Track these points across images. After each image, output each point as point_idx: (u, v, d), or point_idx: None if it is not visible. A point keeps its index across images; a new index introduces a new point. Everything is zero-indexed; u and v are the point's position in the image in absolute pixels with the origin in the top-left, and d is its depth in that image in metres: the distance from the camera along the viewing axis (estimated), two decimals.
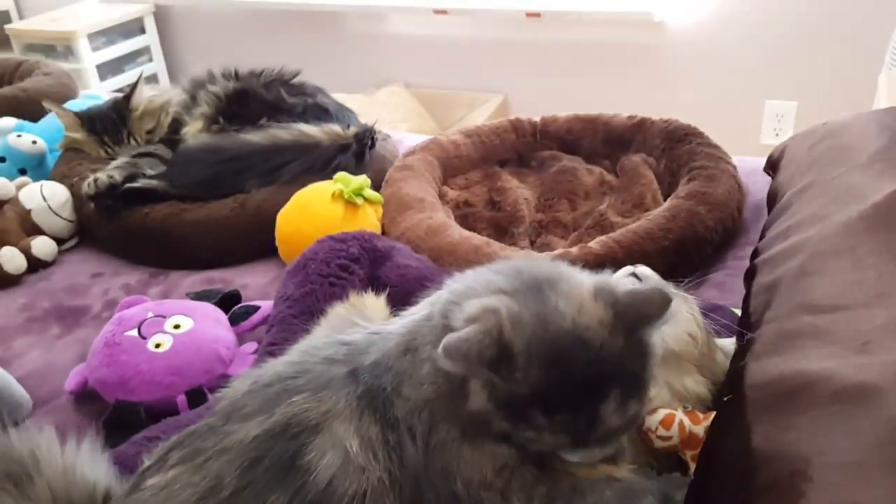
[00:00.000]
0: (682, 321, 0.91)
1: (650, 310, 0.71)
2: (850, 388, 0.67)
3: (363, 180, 1.60)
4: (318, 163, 1.70)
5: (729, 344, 0.99)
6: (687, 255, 1.37)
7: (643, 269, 1.01)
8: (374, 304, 1.11)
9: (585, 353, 0.69)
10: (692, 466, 0.86)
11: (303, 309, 1.23)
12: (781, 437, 0.68)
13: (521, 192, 1.76)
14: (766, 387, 0.76)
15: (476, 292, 0.76)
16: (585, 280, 0.76)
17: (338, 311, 1.10)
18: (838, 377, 0.69)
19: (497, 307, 0.71)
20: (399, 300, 1.15)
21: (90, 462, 0.89)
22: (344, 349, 0.84)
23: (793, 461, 0.64)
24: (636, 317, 0.71)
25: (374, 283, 1.30)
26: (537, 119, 1.93)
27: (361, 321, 0.95)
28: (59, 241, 1.77)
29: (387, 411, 0.76)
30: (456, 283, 0.81)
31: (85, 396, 1.25)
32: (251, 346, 1.29)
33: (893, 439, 0.59)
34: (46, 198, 1.75)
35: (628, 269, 1.00)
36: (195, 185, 1.70)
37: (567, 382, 0.69)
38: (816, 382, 0.70)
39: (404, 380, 0.77)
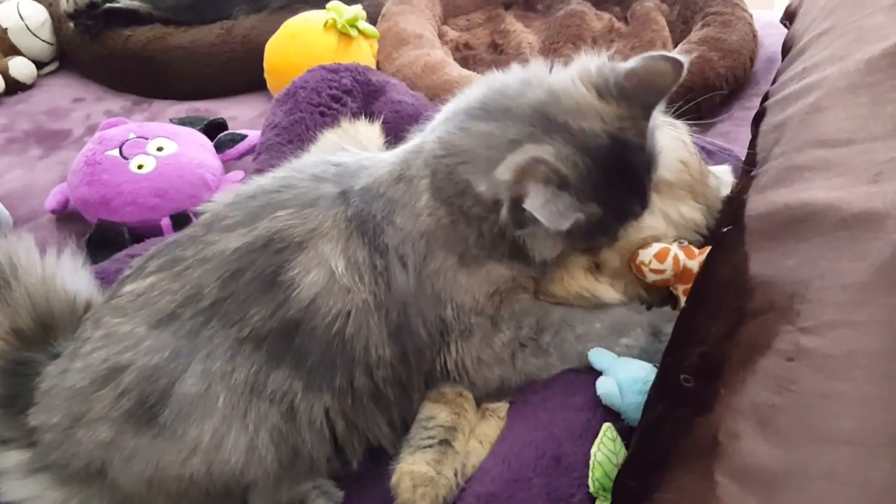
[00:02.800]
0: (672, 149, 0.88)
1: (663, 82, 0.71)
2: (858, 214, 0.64)
3: (358, 11, 1.51)
4: None
5: (722, 169, 0.96)
6: (695, 102, 1.31)
7: None
8: (367, 131, 1.07)
9: (627, 153, 0.72)
10: (683, 301, 0.85)
11: (291, 137, 1.19)
12: (781, 263, 0.66)
13: (525, 36, 1.68)
14: (768, 216, 0.73)
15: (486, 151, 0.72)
16: (577, 83, 0.73)
17: (329, 137, 1.06)
18: (846, 205, 0.66)
19: (540, 156, 0.69)
20: (392, 137, 1.11)
21: (71, 273, 0.88)
22: (333, 169, 0.82)
23: (792, 284, 0.62)
24: (650, 95, 0.72)
25: (366, 118, 1.24)
26: None
27: (353, 148, 0.91)
28: (39, 64, 1.70)
29: (376, 237, 0.74)
30: (448, 127, 0.76)
31: (67, 217, 1.22)
32: (238, 175, 1.25)
33: None
34: (24, 17, 1.67)
35: None
36: (179, 7, 1.60)
37: (616, 184, 0.72)
38: (823, 211, 0.67)
39: (397, 209, 0.75)
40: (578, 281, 0.82)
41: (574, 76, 0.74)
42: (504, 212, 0.71)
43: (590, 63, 0.75)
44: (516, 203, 0.68)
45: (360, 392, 0.74)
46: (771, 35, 1.52)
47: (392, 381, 0.76)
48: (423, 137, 0.79)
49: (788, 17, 1.38)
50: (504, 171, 0.69)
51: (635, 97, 0.72)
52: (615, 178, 0.72)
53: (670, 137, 0.88)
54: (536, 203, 0.66)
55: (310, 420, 0.73)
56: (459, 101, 0.79)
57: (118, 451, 0.69)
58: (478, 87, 0.78)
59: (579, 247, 0.79)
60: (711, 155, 1.07)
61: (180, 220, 1.15)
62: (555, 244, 0.74)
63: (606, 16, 1.72)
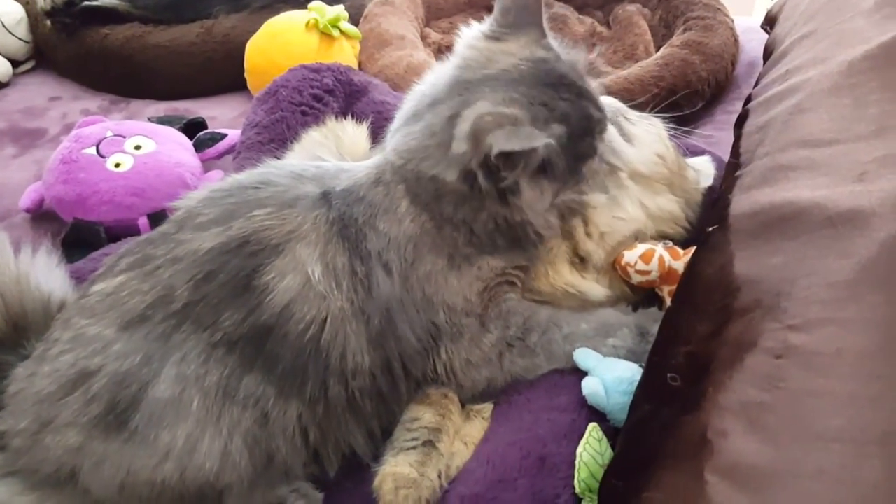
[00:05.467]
0: (648, 143, 0.89)
1: None
2: (843, 213, 0.64)
3: (340, 11, 1.50)
4: None
5: (701, 160, 0.97)
6: (677, 104, 1.32)
7: (604, 99, 0.96)
8: (353, 132, 1.05)
9: (552, 66, 0.75)
10: (668, 302, 0.85)
11: (273, 136, 1.17)
12: (767, 262, 0.66)
13: None
14: (753, 216, 0.73)
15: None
16: (473, 44, 0.77)
17: (312, 136, 1.04)
18: (832, 204, 0.66)
19: (480, 112, 0.70)
20: (374, 138, 1.09)
21: (45, 273, 0.86)
22: (313, 168, 0.80)
23: (778, 283, 0.62)
24: (531, 13, 0.78)
25: (349, 118, 1.23)
26: None
27: (331, 158, 0.91)
28: (15, 62, 1.68)
29: (358, 242, 0.73)
30: (396, 140, 0.78)
31: (42, 216, 1.20)
32: (217, 174, 1.23)
33: (886, 259, 0.57)
34: (0, 14, 1.63)
35: None
36: (159, 6, 1.58)
37: (561, 97, 0.74)
38: (809, 209, 0.67)
39: (379, 213, 0.74)
40: (563, 276, 0.81)
41: (466, 43, 0.78)
42: (482, 180, 0.70)
43: (470, 29, 0.81)
44: (486, 162, 0.68)
45: (335, 402, 0.72)
46: (751, 40, 1.53)
47: (370, 391, 0.74)
48: (385, 149, 0.80)
49: (769, 22, 1.40)
50: (460, 144, 0.70)
51: (521, 23, 0.77)
52: (556, 93, 0.73)
53: (646, 132, 0.89)
54: (502, 141, 0.66)
55: (283, 427, 0.71)
56: (398, 118, 0.80)
57: (88, 456, 0.67)
58: (406, 101, 0.81)
59: (566, 192, 0.79)
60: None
61: (158, 219, 1.13)
62: (543, 192, 0.74)
63: (588, 20, 1.72)
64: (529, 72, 0.74)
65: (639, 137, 0.88)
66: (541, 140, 0.67)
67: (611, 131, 0.86)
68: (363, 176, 0.77)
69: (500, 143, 0.66)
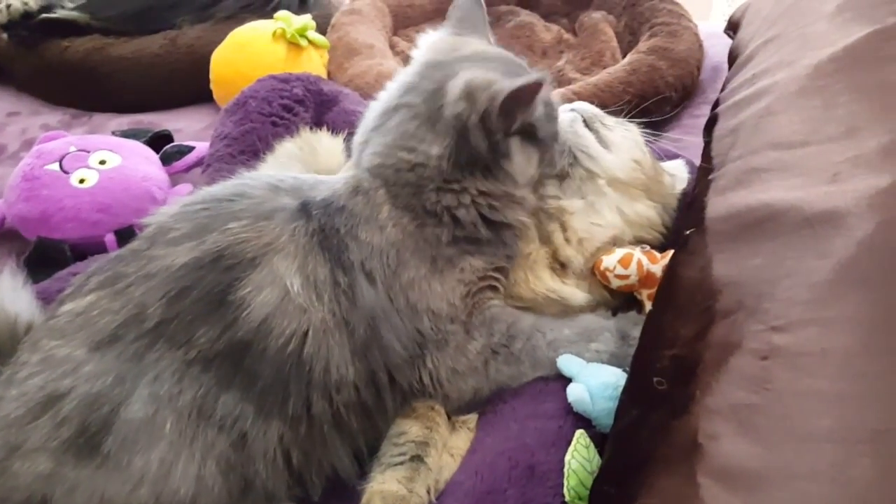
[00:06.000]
0: (625, 149, 0.89)
1: None
2: (820, 213, 0.65)
3: (308, 21, 1.49)
4: (256, 0, 1.56)
5: (676, 164, 0.98)
6: (646, 110, 1.33)
7: (580, 104, 0.96)
8: (329, 144, 1.05)
9: None
10: (648, 305, 0.86)
11: (243, 147, 1.15)
12: (746, 264, 0.66)
13: None
14: (730, 218, 0.74)
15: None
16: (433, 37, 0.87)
17: (287, 147, 1.03)
18: (807, 205, 0.67)
19: (468, 77, 0.75)
20: (348, 149, 1.08)
21: (11, 294, 0.83)
22: (290, 180, 0.79)
23: (759, 284, 0.62)
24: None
25: (319, 128, 1.22)
26: None
27: (305, 171, 0.91)
28: None
29: (340, 253, 0.72)
30: (371, 147, 0.79)
31: (3, 235, 1.16)
32: (186, 187, 1.21)
33: (865, 258, 0.58)
34: None
35: (567, 105, 0.96)
36: (121, 18, 1.55)
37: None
38: (785, 211, 0.68)
39: (360, 223, 0.74)
40: (544, 282, 0.81)
41: (427, 44, 0.85)
42: (477, 141, 0.73)
43: (427, 35, 0.89)
44: (484, 118, 0.72)
45: (319, 419, 0.70)
46: (714, 45, 1.55)
47: (355, 405, 0.72)
48: (356, 162, 0.81)
49: (732, 27, 1.42)
50: (455, 105, 0.73)
51: (470, 31, 0.86)
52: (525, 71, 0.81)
53: (622, 137, 0.89)
54: (508, 84, 0.71)
55: (263, 449, 0.69)
56: (362, 130, 0.82)
57: (59, 483, 0.64)
58: (367, 112, 0.83)
59: (546, 160, 0.83)
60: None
61: (125, 235, 1.10)
62: (529, 158, 0.78)
63: (555, 27, 1.74)
64: (496, 54, 0.83)
65: (616, 144, 0.88)
66: (542, 74, 0.73)
67: (588, 137, 0.87)
68: (341, 186, 0.76)
69: (506, 85, 0.70)
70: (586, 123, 0.90)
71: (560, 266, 0.84)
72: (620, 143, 0.89)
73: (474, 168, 0.75)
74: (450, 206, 0.75)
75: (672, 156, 1.05)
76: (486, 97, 0.71)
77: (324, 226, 0.73)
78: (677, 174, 0.95)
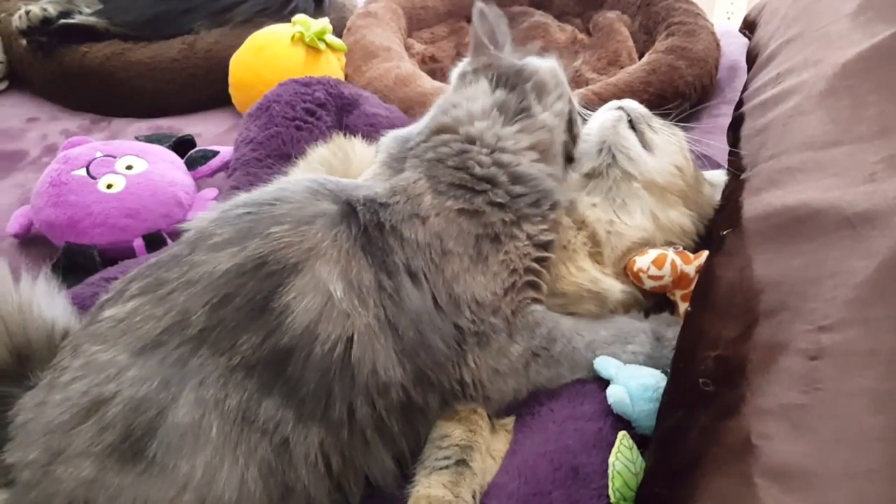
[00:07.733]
0: (668, 153, 0.89)
1: None
2: (861, 213, 0.65)
3: (326, 24, 1.49)
4: (273, 4, 1.58)
5: (717, 175, 0.97)
6: (666, 110, 1.33)
7: (629, 103, 0.97)
8: (362, 151, 1.04)
9: None
10: (681, 306, 0.86)
11: (268, 152, 1.16)
12: (787, 264, 0.67)
13: None
14: (767, 218, 0.74)
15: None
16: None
17: (320, 153, 1.03)
18: (847, 205, 0.67)
19: None
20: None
21: (47, 300, 0.83)
22: (331, 184, 0.79)
23: (802, 284, 0.63)
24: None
25: (342, 131, 1.22)
26: None
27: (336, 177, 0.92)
28: None
29: (385, 257, 0.72)
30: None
31: (30, 241, 1.16)
32: (212, 192, 1.22)
33: None
34: None
35: (614, 102, 0.97)
36: (137, 23, 1.55)
37: None
38: (825, 211, 0.68)
39: (403, 219, 0.74)
40: (587, 272, 0.81)
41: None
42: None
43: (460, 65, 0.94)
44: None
45: (361, 424, 0.70)
46: (730, 44, 1.55)
47: (397, 409, 0.72)
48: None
49: (748, 27, 1.42)
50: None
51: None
52: None
53: (667, 142, 0.89)
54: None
55: (304, 453, 0.68)
56: (415, 135, 0.85)
57: (102, 488, 0.64)
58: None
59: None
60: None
61: (153, 240, 1.11)
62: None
63: (569, 28, 1.74)
64: None
65: (659, 147, 0.88)
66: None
67: (630, 138, 0.87)
68: (381, 188, 0.77)
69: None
70: (632, 123, 0.90)
71: (599, 254, 0.84)
72: (664, 147, 0.89)
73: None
74: (498, 161, 0.79)
75: (714, 165, 1.05)
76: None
77: (366, 230, 0.73)
78: (718, 184, 0.95)
